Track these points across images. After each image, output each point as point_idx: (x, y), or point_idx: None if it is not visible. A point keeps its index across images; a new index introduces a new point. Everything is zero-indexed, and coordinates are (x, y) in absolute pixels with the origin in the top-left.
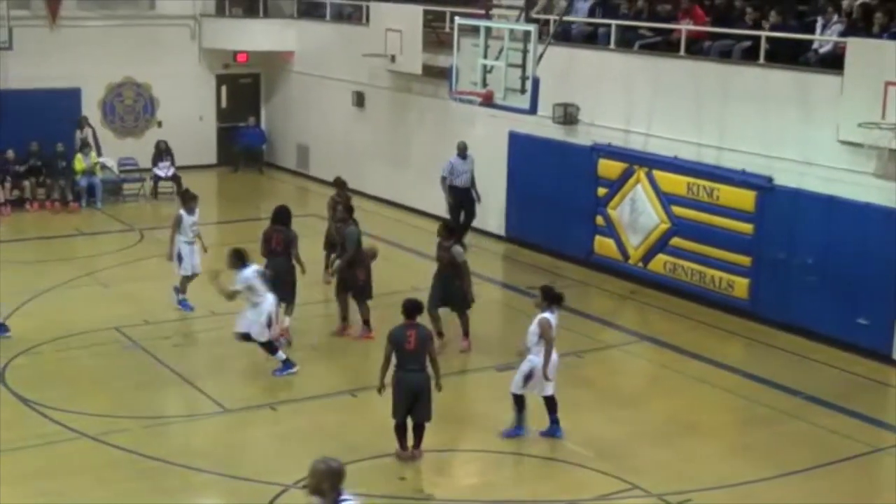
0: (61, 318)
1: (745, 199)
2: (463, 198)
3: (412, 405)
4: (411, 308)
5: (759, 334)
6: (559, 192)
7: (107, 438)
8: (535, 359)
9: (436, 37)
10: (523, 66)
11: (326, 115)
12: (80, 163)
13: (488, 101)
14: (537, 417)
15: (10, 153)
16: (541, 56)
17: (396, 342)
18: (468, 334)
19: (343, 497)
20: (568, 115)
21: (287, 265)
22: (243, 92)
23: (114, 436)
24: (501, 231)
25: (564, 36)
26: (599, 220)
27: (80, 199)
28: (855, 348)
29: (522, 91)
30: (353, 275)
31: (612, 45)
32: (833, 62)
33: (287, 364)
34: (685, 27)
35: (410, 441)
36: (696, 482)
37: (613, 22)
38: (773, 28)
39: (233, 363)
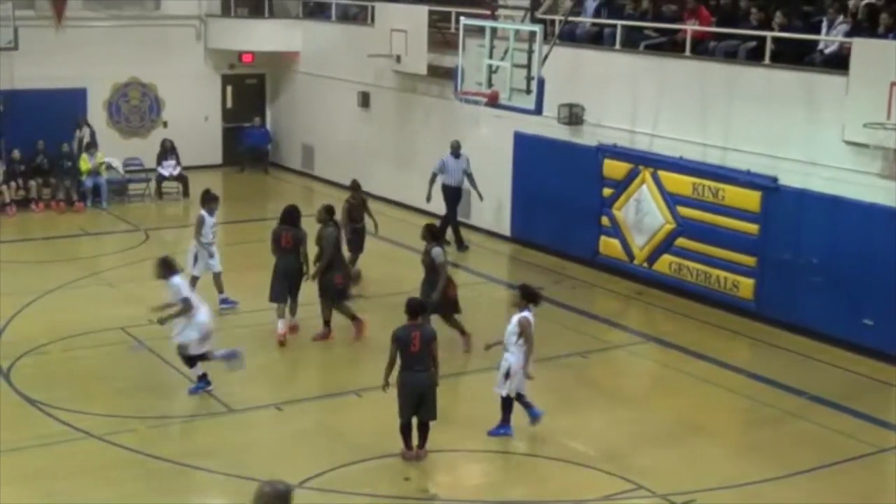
0: (67, 319)
1: (750, 199)
2: (453, 196)
3: (418, 405)
4: (415, 307)
5: (764, 334)
6: (564, 192)
7: (113, 438)
8: (511, 357)
9: (441, 37)
10: (528, 67)
11: (332, 116)
12: (85, 163)
13: (494, 101)
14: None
15: (16, 153)
16: (546, 56)
17: (401, 343)
18: (464, 332)
19: None
20: (573, 116)
21: (297, 264)
22: (249, 92)
23: (120, 436)
24: (507, 231)
25: (570, 36)
26: (605, 220)
27: (85, 200)
28: (860, 349)
29: (528, 91)
30: (330, 278)
31: (617, 46)
32: (838, 63)
33: (201, 381)
34: (690, 27)
35: (415, 441)
36: (701, 482)
37: (619, 22)
38: (779, 28)
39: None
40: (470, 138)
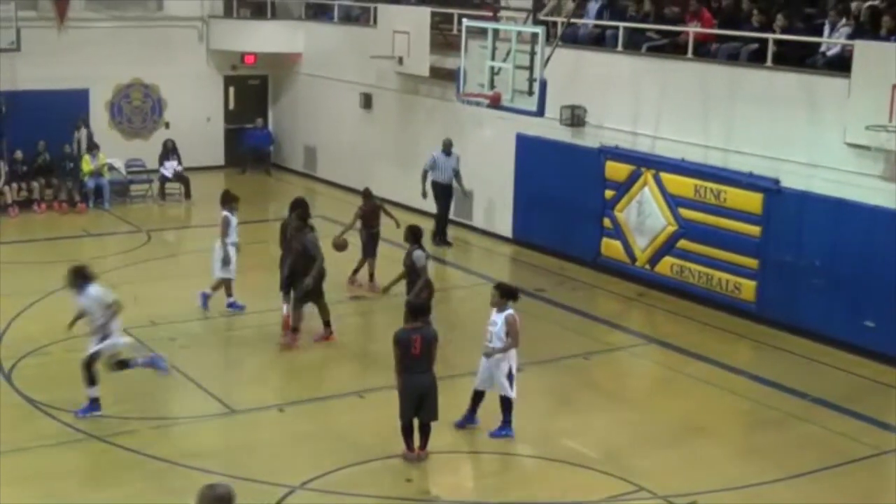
0: (68, 320)
1: (752, 201)
2: (443, 193)
3: (418, 406)
4: (416, 309)
5: (766, 337)
6: (566, 194)
7: (114, 439)
8: (508, 356)
9: (443, 39)
10: (531, 69)
11: (334, 117)
12: (87, 164)
13: (496, 103)
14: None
15: (19, 153)
16: (548, 58)
17: (402, 346)
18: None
19: None
20: (575, 118)
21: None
22: (251, 93)
23: (121, 437)
24: (508, 233)
25: (572, 38)
26: (606, 222)
27: (87, 201)
28: (862, 351)
29: (530, 93)
30: (301, 278)
31: (619, 48)
32: (840, 65)
33: (92, 405)
34: (693, 29)
35: (417, 442)
36: (703, 484)
37: (621, 24)
38: (781, 31)
39: (240, 364)
40: (472, 140)
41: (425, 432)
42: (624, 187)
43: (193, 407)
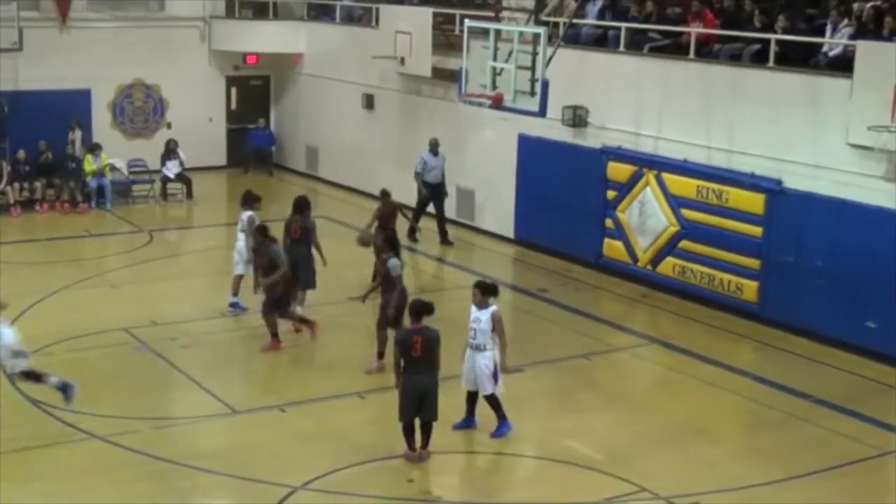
0: (70, 319)
1: (754, 202)
2: (433, 193)
3: (419, 406)
4: (419, 309)
5: (768, 337)
6: (568, 194)
7: (116, 439)
8: (490, 353)
9: (445, 39)
10: (533, 69)
11: (336, 118)
12: (89, 164)
13: (498, 103)
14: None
15: (21, 153)
16: (550, 59)
17: (402, 347)
18: (383, 356)
19: None
20: (577, 118)
21: (306, 252)
22: (253, 94)
23: (123, 437)
24: (510, 233)
25: (574, 39)
26: (609, 222)
27: (89, 201)
28: (864, 351)
29: (532, 93)
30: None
31: (621, 48)
32: (843, 65)
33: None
34: (695, 30)
35: (418, 442)
36: (705, 485)
37: (623, 25)
38: (783, 31)
39: (241, 364)
40: (474, 140)
41: (427, 432)
42: (626, 188)
43: (195, 407)
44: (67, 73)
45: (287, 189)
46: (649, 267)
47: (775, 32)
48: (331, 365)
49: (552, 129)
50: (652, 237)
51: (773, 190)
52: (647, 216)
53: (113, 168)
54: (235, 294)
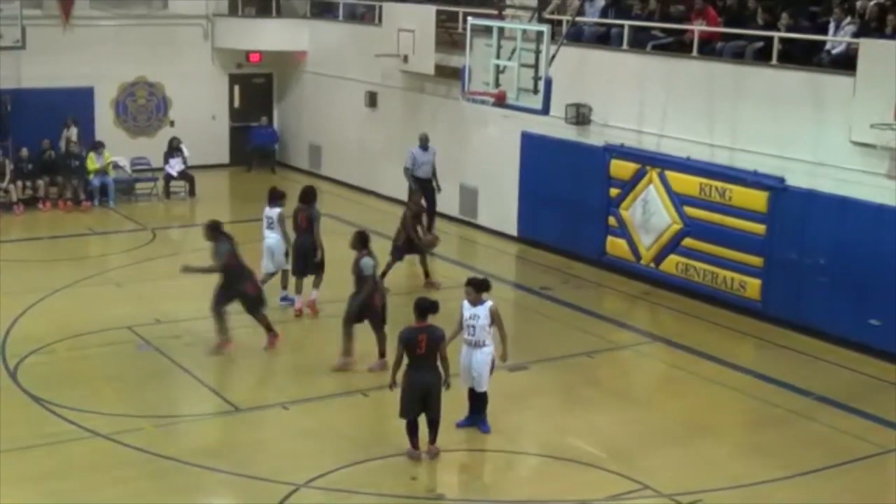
0: (73, 318)
1: (757, 199)
2: (424, 188)
3: (423, 404)
4: (424, 307)
5: (770, 335)
6: (571, 192)
7: (119, 438)
8: (489, 349)
9: (448, 37)
10: (536, 67)
11: (339, 115)
12: (92, 162)
13: (501, 101)
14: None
15: (24, 151)
16: (553, 56)
17: (407, 345)
18: (384, 354)
19: None
20: (580, 116)
21: (312, 241)
22: (256, 91)
23: (126, 435)
24: (514, 231)
25: (577, 36)
26: (612, 220)
27: (92, 199)
28: (867, 349)
29: (535, 91)
30: (240, 289)
31: (624, 46)
32: (846, 63)
33: None
34: (698, 28)
35: (422, 440)
36: (707, 482)
37: (626, 22)
38: (786, 29)
39: (245, 363)
40: (477, 138)
41: (433, 429)
42: (629, 185)
43: (198, 405)
44: (70, 71)
45: (290, 187)
46: (652, 264)
47: (778, 30)
48: (334, 362)
49: (555, 126)
50: (655, 235)
51: (775, 187)
52: (650, 214)
53: (116, 166)
54: (284, 287)
